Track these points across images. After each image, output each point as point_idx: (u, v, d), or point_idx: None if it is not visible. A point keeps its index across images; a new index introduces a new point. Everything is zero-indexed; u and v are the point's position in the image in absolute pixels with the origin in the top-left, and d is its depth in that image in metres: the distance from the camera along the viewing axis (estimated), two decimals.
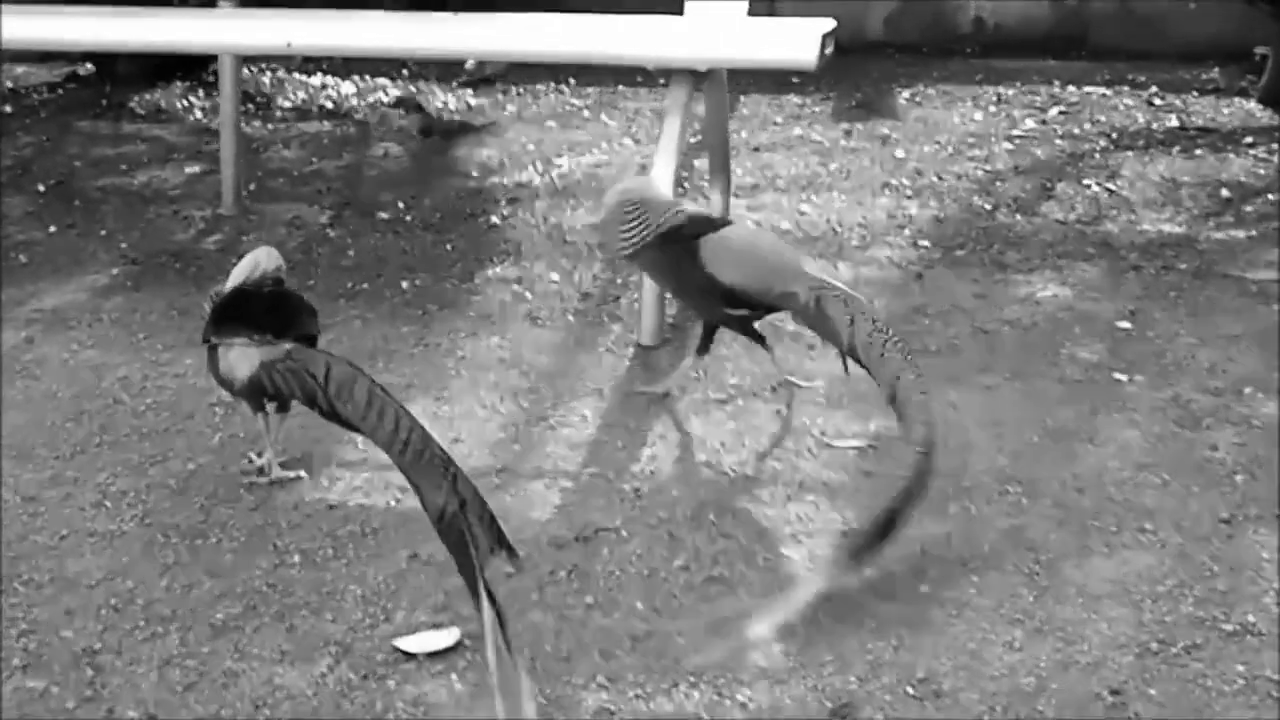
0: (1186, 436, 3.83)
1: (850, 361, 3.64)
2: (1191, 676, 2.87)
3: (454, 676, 2.86)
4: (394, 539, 3.34)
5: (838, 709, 2.76)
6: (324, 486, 3.60)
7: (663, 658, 2.91)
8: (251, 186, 6.06)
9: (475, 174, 6.31)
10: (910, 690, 2.82)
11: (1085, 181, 5.88)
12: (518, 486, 3.59)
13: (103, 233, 5.50)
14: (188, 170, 6.31)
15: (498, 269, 5.16)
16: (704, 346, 4.08)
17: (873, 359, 3.51)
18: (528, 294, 4.93)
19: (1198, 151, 6.18)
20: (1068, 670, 2.89)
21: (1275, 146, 6.17)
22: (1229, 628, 3.02)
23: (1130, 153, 6.22)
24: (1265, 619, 3.05)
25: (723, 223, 4.11)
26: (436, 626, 3.00)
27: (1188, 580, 3.19)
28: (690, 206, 4.29)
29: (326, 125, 7.00)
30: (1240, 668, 2.90)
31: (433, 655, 2.91)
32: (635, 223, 3.94)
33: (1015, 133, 6.54)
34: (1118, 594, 3.14)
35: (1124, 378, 4.19)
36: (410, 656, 2.91)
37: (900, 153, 6.35)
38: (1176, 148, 6.24)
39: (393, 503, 3.50)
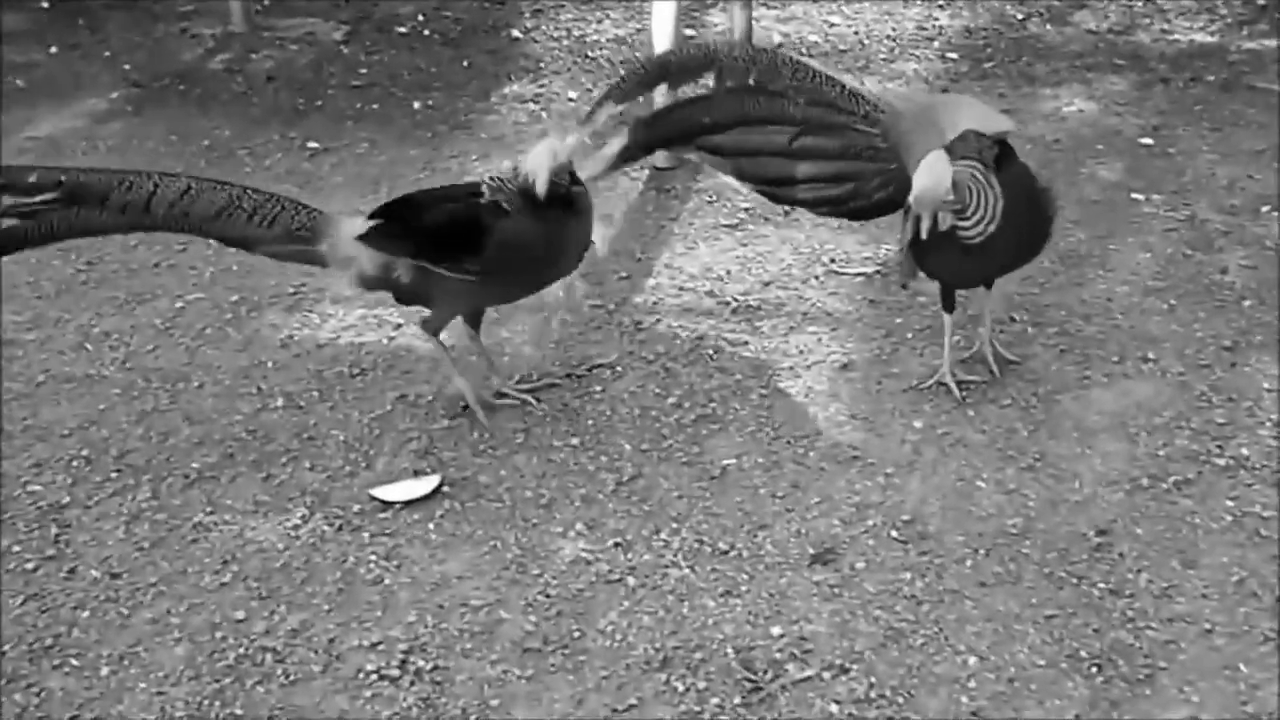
0: (1198, 259, 3.76)
1: None
2: (1180, 514, 2.87)
3: (430, 526, 2.88)
4: (382, 380, 3.35)
5: (819, 554, 2.77)
6: (315, 324, 3.59)
7: (646, 502, 2.93)
8: (267, 1, 5.95)
9: None
10: (894, 533, 2.83)
11: None
12: (517, 319, 3.57)
13: (106, 53, 5.43)
14: None
15: (515, 86, 5.07)
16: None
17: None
18: (544, 114, 4.85)
19: None
20: (1056, 509, 2.89)
21: None
22: (1222, 462, 3.00)
23: None
24: (1259, 452, 3.02)
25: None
26: (418, 473, 3.02)
27: (1185, 412, 3.16)
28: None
29: None
30: (1230, 503, 2.89)
31: (410, 503, 2.93)
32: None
33: None
34: (1114, 427, 3.12)
35: (1141, 197, 4.09)
36: (387, 505, 2.93)
37: None
38: None
39: (385, 340, 3.50)
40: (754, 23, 5.36)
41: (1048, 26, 5.37)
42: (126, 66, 5.34)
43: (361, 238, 3.01)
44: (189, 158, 4.55)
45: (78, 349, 3.55)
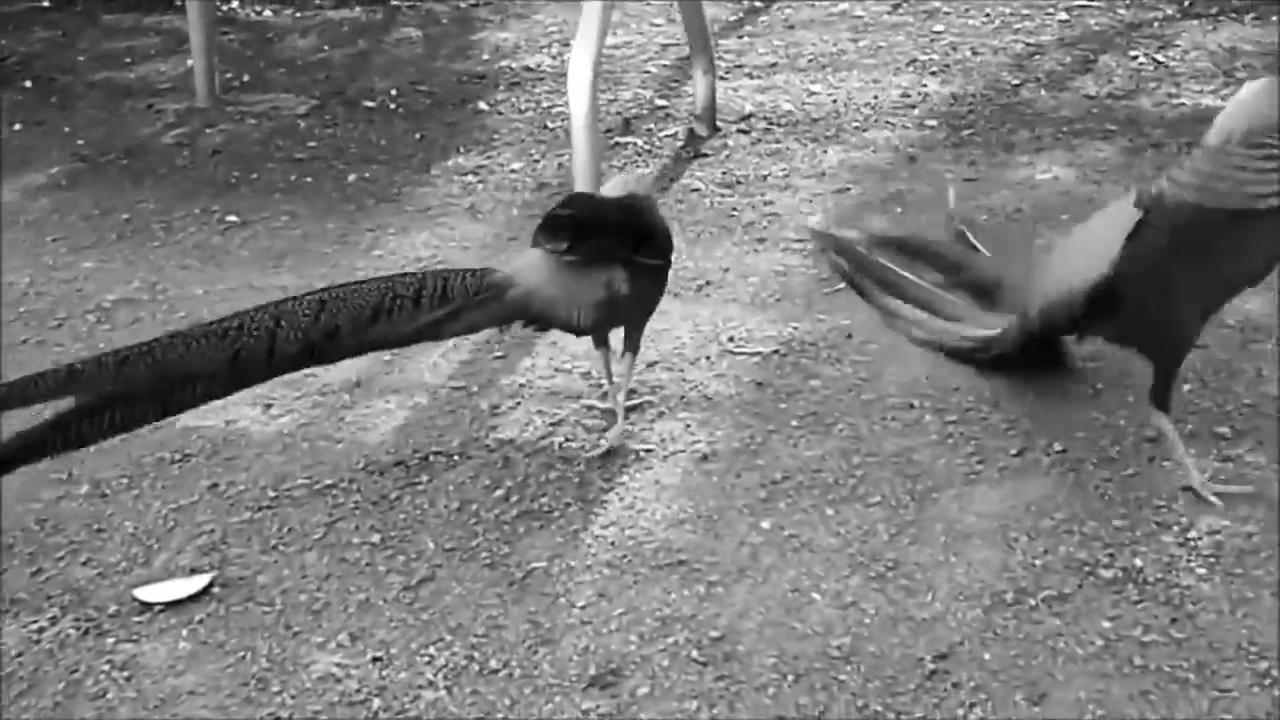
0: None
1: None
2: (1043, 636, 2.42)
3: (184, 632, 2.55)
4: (201, 467, 3.05)
5: (599, 676, 2.38)
6: None
7: (427, 610, 2.57)
8: (245, 78, 5.81)
9: (486, 58, 5.94)
10: (696, 653, 2.42)
11: (1132, 52, 5.23)
12: (366, 404, 3.26)
13: (66, 129, 5.29)
14: (189, 63, 6.06)
15: (460, 159, 4.81)
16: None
17: None
18: (480, 185, 4.58)
19: (1274, 18, 5.45)
20: (895, 628, 2.46)
21: None
22: (1109, 574, 2.55)
23: (1196, 21, 5.51)
24: (1156, 564, 2.56)
25: None
26: (194, 571, 2.70)
27: (1080, 514, 2.71)
28: None
29: (353, 12, 6.68)
30: (1106, 624, 2.43)
31: (173, 605, 2.61)
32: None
33: (1075, 1, 5.87)
34: (991, 531, 2.68)
35: None
36: (148, 607, 2.62)
37: (940, 26, 5.76)
38: (1251, 14, 5.51)
39: (221, 425, 3.20)
40: (731, 92, 5.08)
41: (1042, 92, 4.96)
42: (80, 142, 5.19)
43: (566, 251, 2.79)
44: (104, 231, 4.36)
45: None
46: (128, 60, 6.12)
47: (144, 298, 3.84)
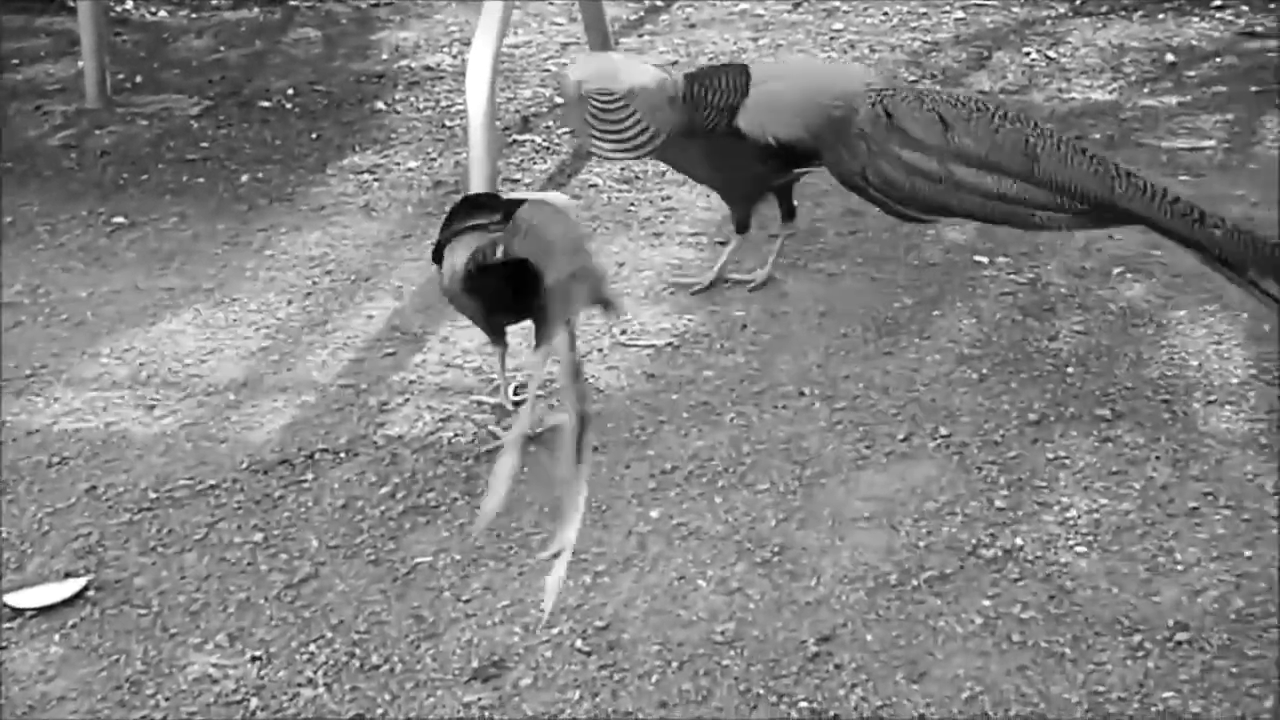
0: (1027, 325, 3.34)
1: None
2: (924, 615, 2.43)
3: (57, 637, 2.49)
4: (80, 470, 2.98)
5: (482, 669, 2.35)
6: (37, 408, 3.24)
7: (309, 608, 2.53)
8: (138, 79, 5.71)
9: (385, 57, 5.89)
10: (580, 643, 2.41)
11: (1026, 49, 5.30)
12: (253, 403, 3.21)
13: None
14: (80, 64, 5.95)
15: (356, 158, 4.76)
16: (745, 224, 3.53)
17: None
18: (375, 184, 4.53)
19: (1160, 16, 5.55)
20: (780, 612, 2.46)
21: (1244, 8, 5.51)
22: (990, 554, 2.57)
23: (1087, 19, 5.60)
24: (1036, 543, 2.58)
25: (742, 69, 3.40)
26: (69, 575, 2.64)
27: (965, 496, 2.73)
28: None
29: (250, 13, 6.60)
30: (986, 603, 2.45)
31: (46, 610, 2.55)
32: (632, 118, 3.36)
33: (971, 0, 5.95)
34: (877, 515, 2.69)
35: (985, 259, 3.68)
36: (19, 613, 2.55)
37: (839, 25, 5.80)
38: (1139, 12, 5.61)
39: (101, 426, 3.14)
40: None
41: (938, 89, 4.99)
42: None
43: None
44: None
45: None
46: (16, 62, 5.99)
47: (25, 301, 3.76)
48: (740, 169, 3.38)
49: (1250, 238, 2.80)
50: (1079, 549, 2.56)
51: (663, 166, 4.48)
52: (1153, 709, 2.21)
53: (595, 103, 3.33)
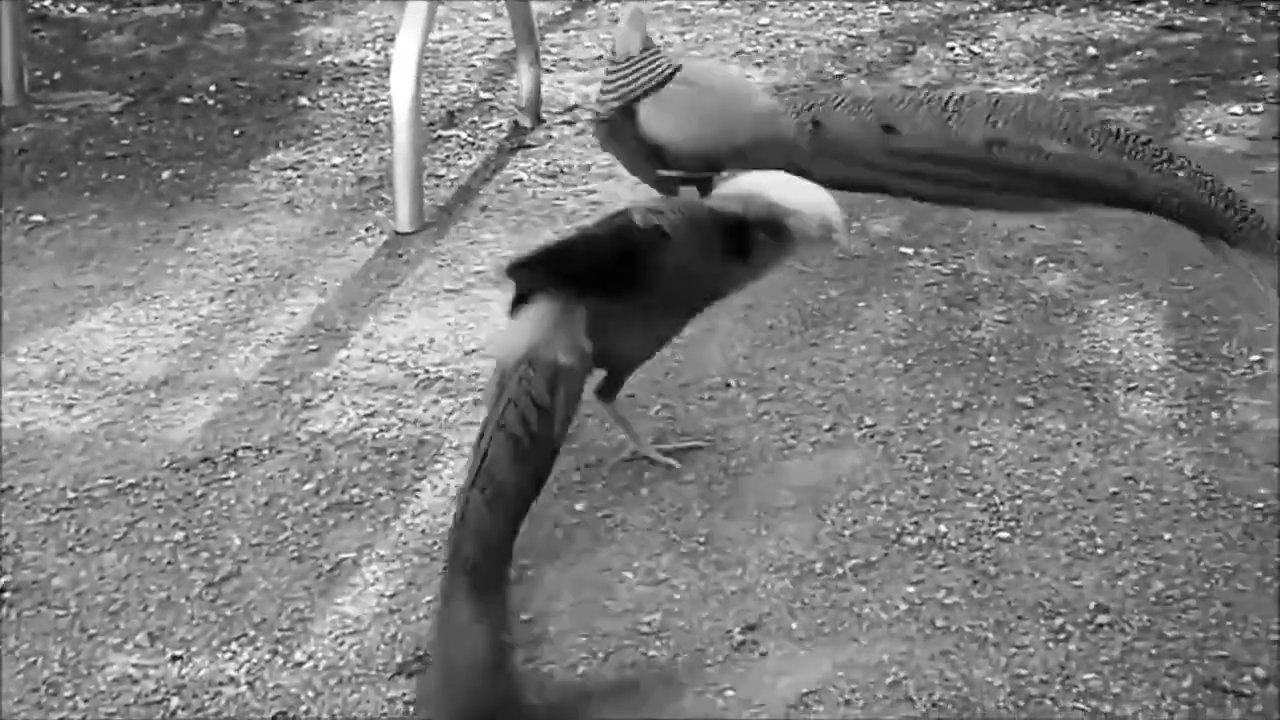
0: (952, 315, 3.37)
1: None
2: (848, 603, 2.44)
3: None
4: None
5: (405, 664, 2.34)
6: None
7: (231, 606, 2.50)
8: (57, 75, 5.62)
9: (309, 53, 5.83)
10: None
11: (949, 44, 5.34)
12: (174, 401, 3.17)
13: None
14: None
15: (279, 154, 4.71)
16: None
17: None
18: (299, 180, 4.48)
19: (1082, 10, 5.61)
20: (706, 602, 2.46)
21: (1163, 3, 5.58)
22: (914, 540, 2.58)
23: (1010, 13, 5.66)
24: (960, 529, 2.60)
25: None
26: None
27: (890, 484, 2.75)
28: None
29: (172, 9, 6.51)
30: (910, 589, 2.47)
31: None
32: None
33: None
34: (802, 504, 2.70)
35: (910, 251, 3.70)
36: None
37: (765, 19, 5.82)
38: (1062, 7, 5.67)
39: (18, 425, 3.08)
40: (557, 85, 5.07)
41: (863, 83, 5.02)
42: None
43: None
44: None
45: None
46: None
47: None
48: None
49: (1211, 183, 2.84)
50: (1002, 535, 2.58)
51: (588, 160, 4.49)
52: (1074, 690, 2.23)
53: None
